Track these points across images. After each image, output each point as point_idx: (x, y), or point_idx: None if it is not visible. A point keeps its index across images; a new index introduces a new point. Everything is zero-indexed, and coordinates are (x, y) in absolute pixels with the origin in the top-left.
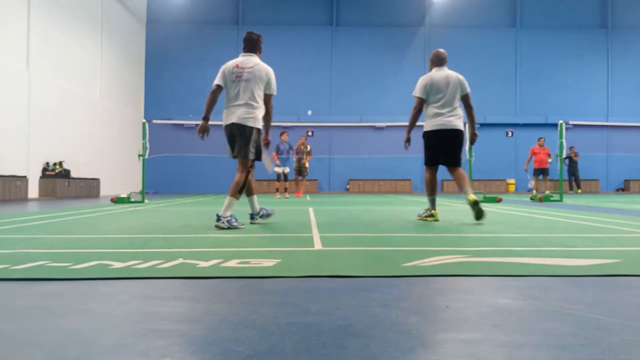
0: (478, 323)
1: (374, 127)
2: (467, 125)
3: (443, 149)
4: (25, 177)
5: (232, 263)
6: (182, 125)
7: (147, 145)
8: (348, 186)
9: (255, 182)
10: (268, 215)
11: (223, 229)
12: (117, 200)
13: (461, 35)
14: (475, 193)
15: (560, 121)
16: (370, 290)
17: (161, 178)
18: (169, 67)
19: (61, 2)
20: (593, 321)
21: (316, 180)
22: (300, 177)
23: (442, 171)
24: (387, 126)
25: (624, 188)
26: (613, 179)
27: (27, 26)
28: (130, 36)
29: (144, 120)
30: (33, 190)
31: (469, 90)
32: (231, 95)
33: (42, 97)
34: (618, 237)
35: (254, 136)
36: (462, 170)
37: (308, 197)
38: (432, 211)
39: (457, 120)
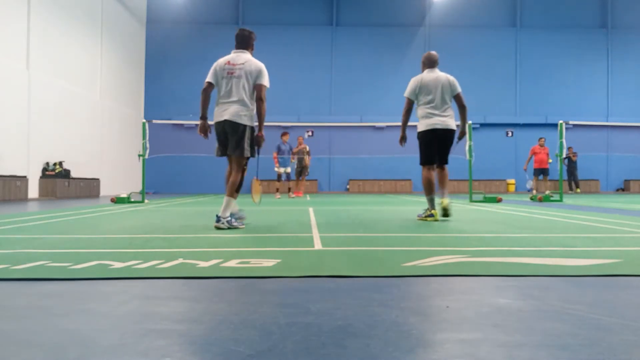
0: (478, 323)
1: (374, 127)
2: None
3: (437, 147)
4: (25, 177)
5: (232, 263)
6: (182, 125)
7: (147, 145)
8: (348, 186)
9: (258, 182)
10: (241, 218)
11: (223, 229)
12: (117, 200)
13: (461, 35)
14: (475, 193)
15: (560, 121)
16: (370, 290)
17: (161, 178)
18: (169, 67)
19: (61, 2)
20: (593, 321)
21: (316, 180)
22: (300, 177)
23: None
24: (387, 126)
25: (624, 188)
26: (613, 179)
27: (27, 26)
28: (130, 36)
29: (144, 120)
30: (33, 190)
31: (459, 90)
32: (223, 92)
33: (42, 97)
34: (618, 237)
35: (247, 134)
36: (447, 170)
37: (308, 197)
38: (432, 211)
39: (449, 119)
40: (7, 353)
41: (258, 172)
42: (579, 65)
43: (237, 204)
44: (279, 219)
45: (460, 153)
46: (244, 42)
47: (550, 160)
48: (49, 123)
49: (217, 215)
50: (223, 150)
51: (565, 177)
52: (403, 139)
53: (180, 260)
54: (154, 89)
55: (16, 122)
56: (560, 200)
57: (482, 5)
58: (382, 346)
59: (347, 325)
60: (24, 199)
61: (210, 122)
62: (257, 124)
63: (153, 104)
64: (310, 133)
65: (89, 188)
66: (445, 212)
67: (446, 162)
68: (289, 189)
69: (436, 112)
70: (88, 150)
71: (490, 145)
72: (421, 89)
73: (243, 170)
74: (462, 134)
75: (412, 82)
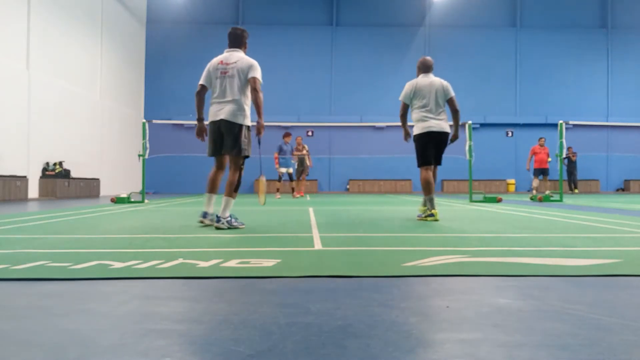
0: (478, 323)
1: (374, 127)
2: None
3: (432, 148)
4: (25, 177)
5: (232, 263)
6: (182, 125)
7: (147, 145)
8: (348, 186)
9: (257, 182)
10: (212, 221)
11: (223, 229)
12: (117, 200)
13: (461, 35)
14: (475, 193)
15: (560, 121)
16: (370, 290)
17: (161, 178)
18: (169, 67)
19: (61, 2)
20: (593, 321)
21: (316, 180)
22: (300, 177)
23: (443, 172)
24: (387, 126)
25: (624, 188)
26: (613, 179)
27: (27, 26)
28: (130, 36)
29: (144, 120)
30: (33, 190)
31: (452, 94)
32: (218, 92)
33: (42, 97)
34: (618, 237)
35: (243, 133)
36: (437, 172)
37: (308, 197)
38: (432, 211)
39: (444, 122)
40: (7, 353)
41: (261, 170)
42: (579, 65)
43: (212, 205)
44: (279, 219)
45: (460, 153)
46: (236, 40)
47: (550, 159)
48: (49, 123)
49: (217, 216)
50: (215, 150)
51: (565, 177)
52: (407, 134)
53: (180, 260)
54: (154, 89)
55: (16, 122)
56: (560, 200)
57: (482, 5)
58: (382, 346)
59: (347, 325)
60: (24, 199)
61: (205, 122)
62: (253, 123)
63: (153, 104)
64: (310, 133)
65: (89, 188)
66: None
67: (439, 164)
68: (292, 189)
69: (431, 115)
70: (88, 150)
71: (490, 145)
72: (415, 93)
73: (240, 170)
74: (455, 137)
75: (407, 87)
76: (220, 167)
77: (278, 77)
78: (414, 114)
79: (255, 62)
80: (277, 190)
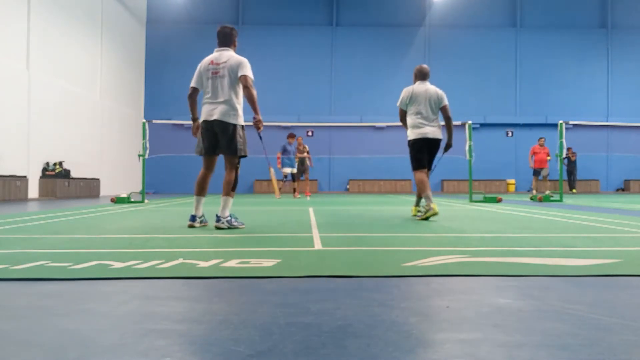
0: (478, 323)
1: (374, 127)
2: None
3: (426, 153)
4: (25, 177)
5: (232, 263)
6: (182, 125)
7: (147, 145)
8: (348, 186)
9: (258, 182)
10: (204, 224)
11: (223, 229)
12: (117, 200)
13: (461, 35)
14: (475, 193)
15: (560, 121)
16: (370, 290)
17: (161, 178)
18: (169, 67)
19: (61, 2)
20: (593, 321)
21: (316, 180)
22: (302, 177)
23: (443, 172)
24: (387, 126)
25: (624, 188)
26: (613, 179)
27: (27, 26)
28: (130, 36)
29: (144, 120)
30: (33, 190)
31: (446, 103)
32: (210, 93)
33: (42, 97)
34: (618, 237)
35: (238, 133)
36: (428, 177)
37: (308, 197)
38: (431, 205)
39: (437, 130)
40: (7, 353)
41: (269, 164)
42: (579, 65)
43: (202, 207)
44: (279, 219)
45: (460, 153)
46: (226, 39)
47: (549, 158)
48: (49, 123)
49: (217, 215)
50: (209, 149)
51: (565, 177)
52: None
53: (180, 260)
54: (154, 89)
55: (16, 122)
56: (560, 200)
57: (482, 5)
58: (382, 346)
59: (347, 325)
60: (24, 199)
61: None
62: (248, 123)
63: (153, 104)
64: (310, 133)
65: (89, 188)
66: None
67: (430, 169)
68: (294, 190)
69: (425, 122)
70: (88, 150)
71: (490, 145)
72: (411, 100)
73: (236, 169)
74: (448, 146)
75: (404, 93)
76: (209, 168)
77: (278, 77)
78: (409, 120)
79: (244, 60)
80: (294, 190)
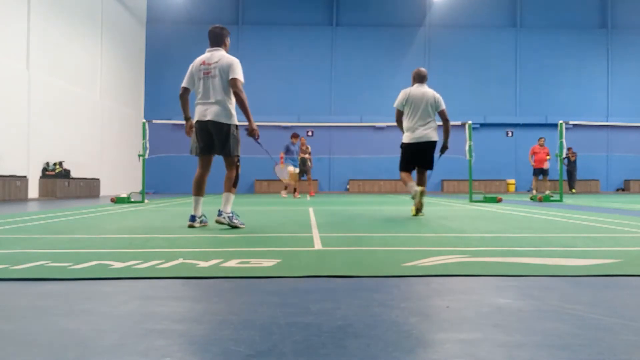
0: (478, 323)
1: (374, 127)
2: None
3: (418, 157)
4: (25, 177)
5: (232, 263)
6: (182, 125)
7: (147, 145)
8: (348, 186)
9: (258, 182)
10: (204, 224)
11: (223, 224)
12: (117, 200)
13: (461, 35)
14: (475, 193)
15: (560, 121)
16: (370, 290)
17: (161, 178)
18: (169, 67)
19: (61, 2)
20: (593, 321)
21: (316, 180)
22: (304, 177)
23: (443, 172)
24: (387, 126)
25: (624, 188)
26: (613, 179)
27: (27, 26)
28: (130, 36)
29: (144, 120)
30: (33, 190)
31: (444, 107)
32: (203, 93)
33: (42, 97)
34: (618, 237)
35: (232, 132)
36: (426, 175)
37: (308, 197)
38: (415, 188)
39: (431, 132)
40: (7, 353)
41: (274, 167)
42: (579, 65)
43: (201, 207)
44: (279, 219)
45: (460, 153)
46: (217, 39)
47: (549, 157)
48: (49, 123)
49: (219, 210)
50: (204, 149)
51: (565, 177)
52: None
53: (180, 260)
54: (154, 89)
55: (16, 122)
56: (560, 200)
57: (482, 5)
58: (382, 346)
59: (347, 326)
60: (24, 199)
61: (192, 120)
62: (242, 123)
63: (153, 104)
64: (310, 133)
65: (89, 188)
66: (422, 193)
67: (431, 167)
68: (294, 190)
69: (418, 124)
70: (88, 150)
71: (490, 145)
72: (408, 102)
73: (237, 167)
74: (444, 148)
75: (401, 94)
76: (205, 167)
77: (278, 77)
78: (405, 122)
79: (235, 61)
80: (285, 188)
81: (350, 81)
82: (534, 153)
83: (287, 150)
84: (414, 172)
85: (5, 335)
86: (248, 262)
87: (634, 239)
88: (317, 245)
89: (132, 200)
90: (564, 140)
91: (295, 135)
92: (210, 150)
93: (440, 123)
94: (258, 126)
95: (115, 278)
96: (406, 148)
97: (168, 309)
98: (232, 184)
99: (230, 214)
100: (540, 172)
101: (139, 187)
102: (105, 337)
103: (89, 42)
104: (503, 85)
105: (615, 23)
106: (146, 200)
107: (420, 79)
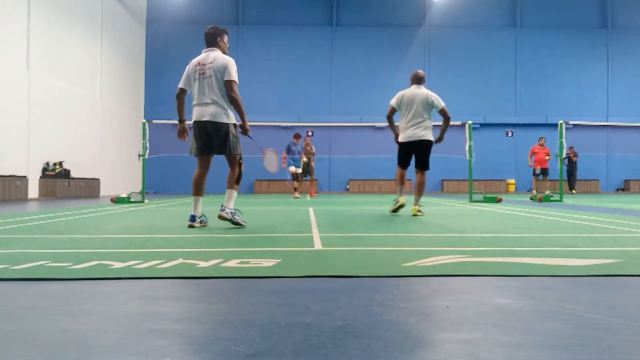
0: (478, 323)
1: (374, 127)
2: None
3: (411, 156)
4: (25, 177)
5: (232, 263)
6: None
7: (147, 145)
8: (348, 186)
9: (258, 182)
10: (204, 224)
11: (226, 219)
12: (117, 200)
13: (461, 35)
14: (475, 193)
15: (560, 121)
16: (370, 290)
17: (161, 178)
18: (169, 67)
19: (61, 2)
20: (593, 321)
21: (316, 180)
22: (307, 178)
23: (443, 172)
24: (387, 126)
25: (624, 188)
26: (613, 179)
27: (27, 26)
28: (130, 36)
29: (144, 120)
30: (33, 190)
31: (443, 105)
32: (199, 93)
33: (42, 97)
34: (618, 237)
35: (231, 132)
36: (424, 177)
37: (308, 198)
38: (399, 199)
39: (424, 131)
40: (7, 353)
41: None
42: (579, 65)
43: (200, 206)
44: (279, 219)
45: (460, 153)
46: (211, 40)
47: (549, 157)
48: (49, 123)
49: (222, 205)
50: (203, 149)
51: (565, 177)
52: (397, 135)
53: (180, 260)
54: (154, 89)
55: (16, 122)
56: (560, 200)
57: (482, 5)
58: (382, 346)
59: (347, 325)
60: (24, 199)
61: (188, 122)
62: (239, 122)
63: (153, 104)
64: (310, 133)
65: (89, 188)
66: (401, 206)
67: (426, 167)
68: (295, 190)
69: (411, 124)
70: (88, 150)
71: (490, 145)
72: (403, 102)
73: (240, 165)
74: (439, 140)
75: (398, 94)
76: (204, 167)
77: (278, 77)
78: (400, 122)
79: (230, 61)
80: (295, 189)
81: (350, 81)
82: (534, 153)
83: (289, 150)
84: (414, 172)
85: (5, 335)
86: (248, 262)
87: (634, 239)
88: (317, 245)
89: (132, 200)
90: (564, 140)
91: (297, 136)
92: (209, 150)
93: (437, 123)
94: (258, 126)
95: (115, 278)
96: (401, 146)
97: (168, 309)
98: (235, 181)
99: (233, 210)
100: (540, 172)
101: (139, 187)
102: (105, 337)
103: (89, 42)
104: (503, 85)
105: (615, 23)
106: (146, 200)
107: (417, 80)
